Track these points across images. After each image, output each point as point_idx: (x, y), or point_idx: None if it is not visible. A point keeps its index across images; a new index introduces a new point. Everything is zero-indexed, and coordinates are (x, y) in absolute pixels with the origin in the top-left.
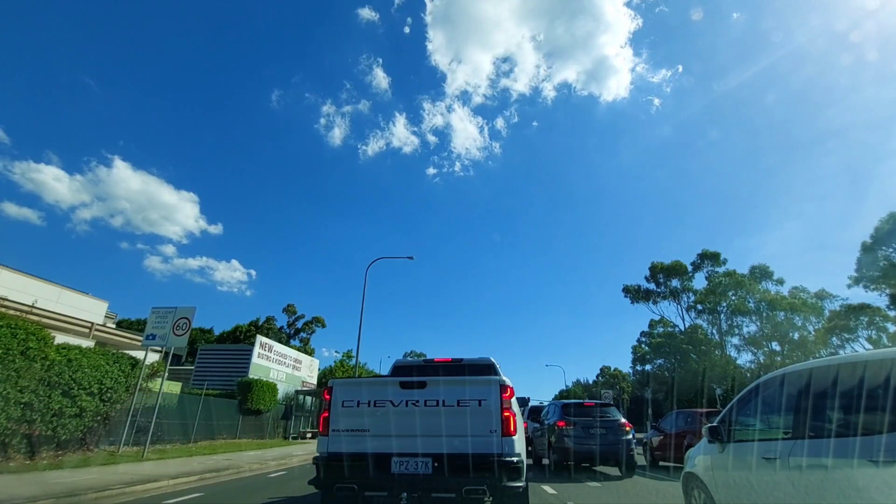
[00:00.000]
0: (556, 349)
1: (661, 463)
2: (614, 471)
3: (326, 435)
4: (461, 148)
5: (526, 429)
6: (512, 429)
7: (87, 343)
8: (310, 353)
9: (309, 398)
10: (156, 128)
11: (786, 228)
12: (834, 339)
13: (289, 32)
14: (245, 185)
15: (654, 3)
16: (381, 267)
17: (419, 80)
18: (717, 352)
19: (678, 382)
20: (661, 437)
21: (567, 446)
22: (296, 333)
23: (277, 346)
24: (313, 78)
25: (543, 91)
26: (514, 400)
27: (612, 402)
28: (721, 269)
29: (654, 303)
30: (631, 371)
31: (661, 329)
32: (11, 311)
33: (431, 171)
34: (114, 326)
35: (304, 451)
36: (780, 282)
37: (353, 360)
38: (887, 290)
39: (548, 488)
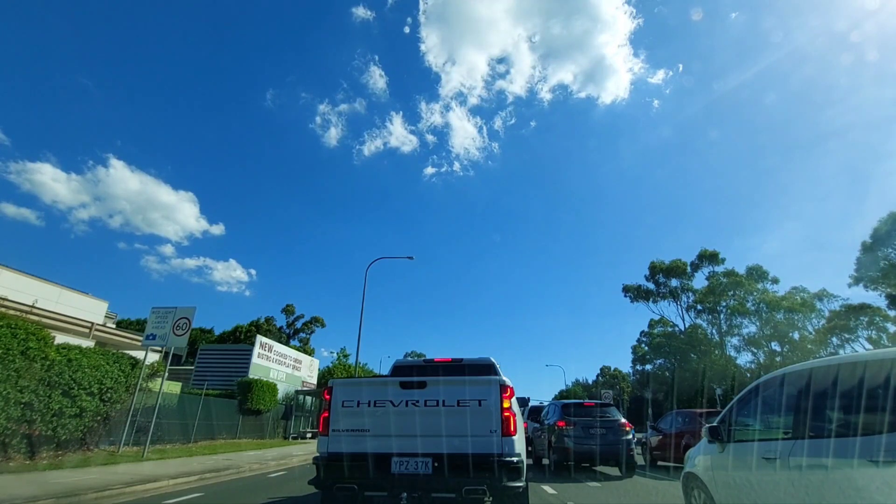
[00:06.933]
0: (556, 349)
1: (659, 463)
2: (614, 471)
3: (326, 435)
4: (460, 148)
5: (526, 429)
6: (512, 429)
7: (87, 343)
8: (309, 353)
9: (309, 398)
10: (153, 128)
11: (785, 228)
12: (834, 339)
13: (283, 31)
14: (243, 184)
15: (653, 2)
16: (381, 267)
17: (414, 81)
18: (716, 352)
19: (678, 382)
20: (660, 437)
21: (567, 446)
22: (295, 333)
23: (277, 346)
24: (309, 77)
25: (540, 93)
26: (514, 400)
27: (612, 402)
28: (720, 269)
29: (654, 302)
30: (631, 371)
31: (661, 329)
32: (11, 311)
33: (430, 170)
34: (114, 326)
35: (304, 451)
36: (776, 280)
37: (349, 358)
38: (887, 290)
39: (548, 488)
